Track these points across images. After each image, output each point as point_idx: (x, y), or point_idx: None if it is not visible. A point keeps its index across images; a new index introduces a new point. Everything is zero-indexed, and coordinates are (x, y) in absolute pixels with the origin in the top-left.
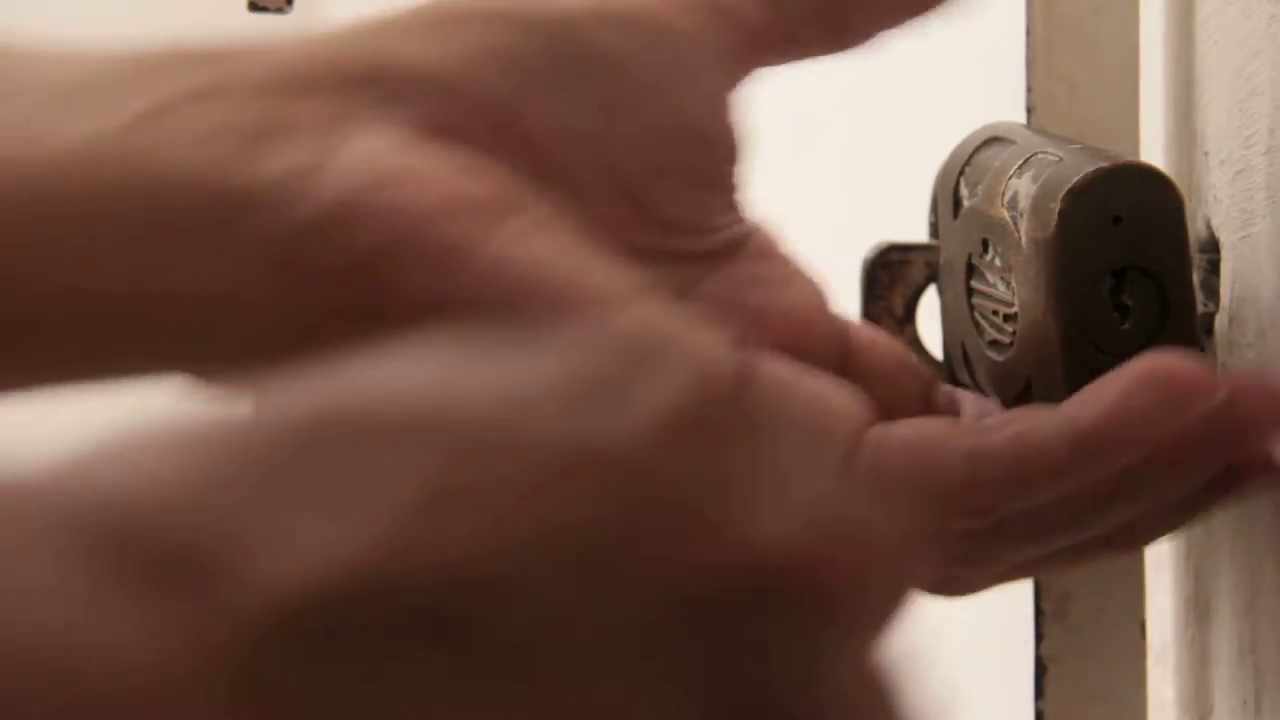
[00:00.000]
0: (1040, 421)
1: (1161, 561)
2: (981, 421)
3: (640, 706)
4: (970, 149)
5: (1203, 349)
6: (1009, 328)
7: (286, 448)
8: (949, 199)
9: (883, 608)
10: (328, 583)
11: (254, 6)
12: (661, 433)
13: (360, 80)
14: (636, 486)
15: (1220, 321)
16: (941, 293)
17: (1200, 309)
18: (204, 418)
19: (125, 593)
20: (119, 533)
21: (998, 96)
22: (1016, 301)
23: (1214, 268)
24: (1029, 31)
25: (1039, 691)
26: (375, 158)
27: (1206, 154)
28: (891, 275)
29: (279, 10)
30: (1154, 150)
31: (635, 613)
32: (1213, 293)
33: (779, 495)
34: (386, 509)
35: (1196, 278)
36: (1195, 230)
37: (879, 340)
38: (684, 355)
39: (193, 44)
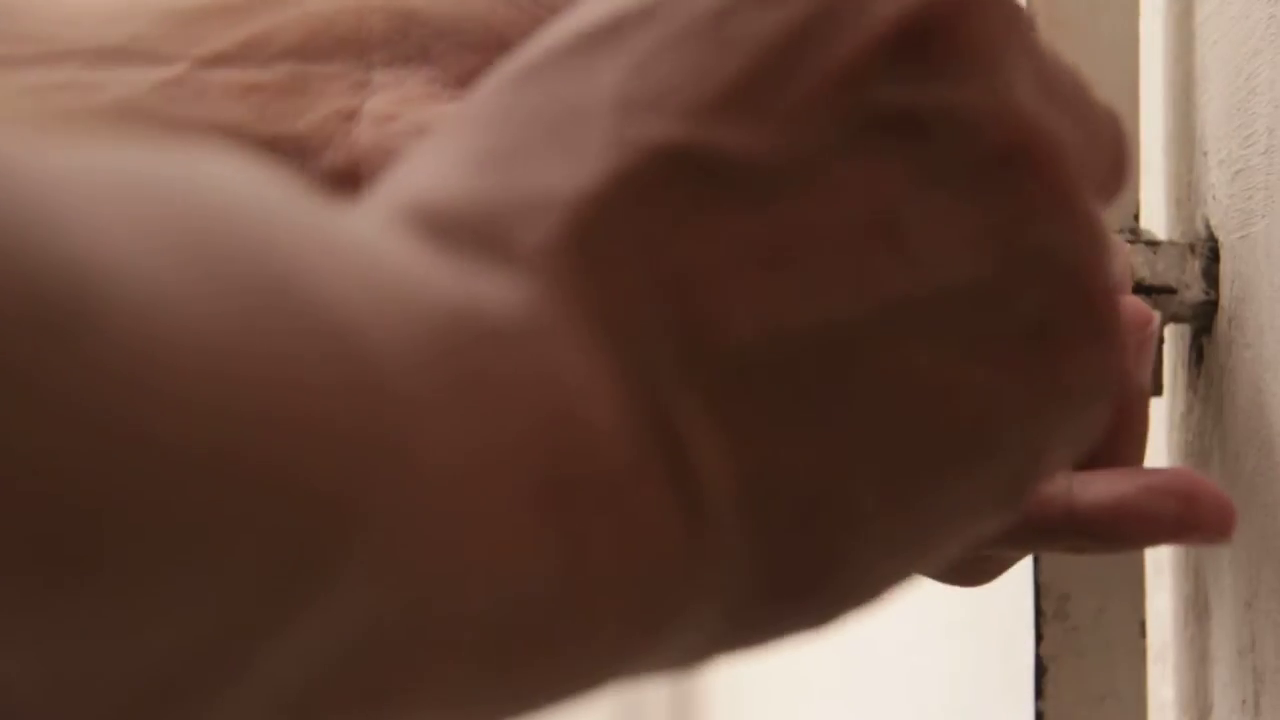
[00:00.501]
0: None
1: (1161, 562)
2: None
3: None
4: None
5: None
6: None
7: (512, 108)
8: None
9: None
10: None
11: None
12: None
13: (385, 37)
14: None
15: (1220, 321)
16: None
17: (1201, 297)
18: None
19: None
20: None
21: None
22: None
23: (1215, 255)
24: None
25: (1039, 691)
26: (405, 105)
27: (1206, 154)
28: None
29: None
30: (1153, 150)
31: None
32: (1213, 281)
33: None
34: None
35: (1197, 266)
36: (1195, 230)
37: None
38: None
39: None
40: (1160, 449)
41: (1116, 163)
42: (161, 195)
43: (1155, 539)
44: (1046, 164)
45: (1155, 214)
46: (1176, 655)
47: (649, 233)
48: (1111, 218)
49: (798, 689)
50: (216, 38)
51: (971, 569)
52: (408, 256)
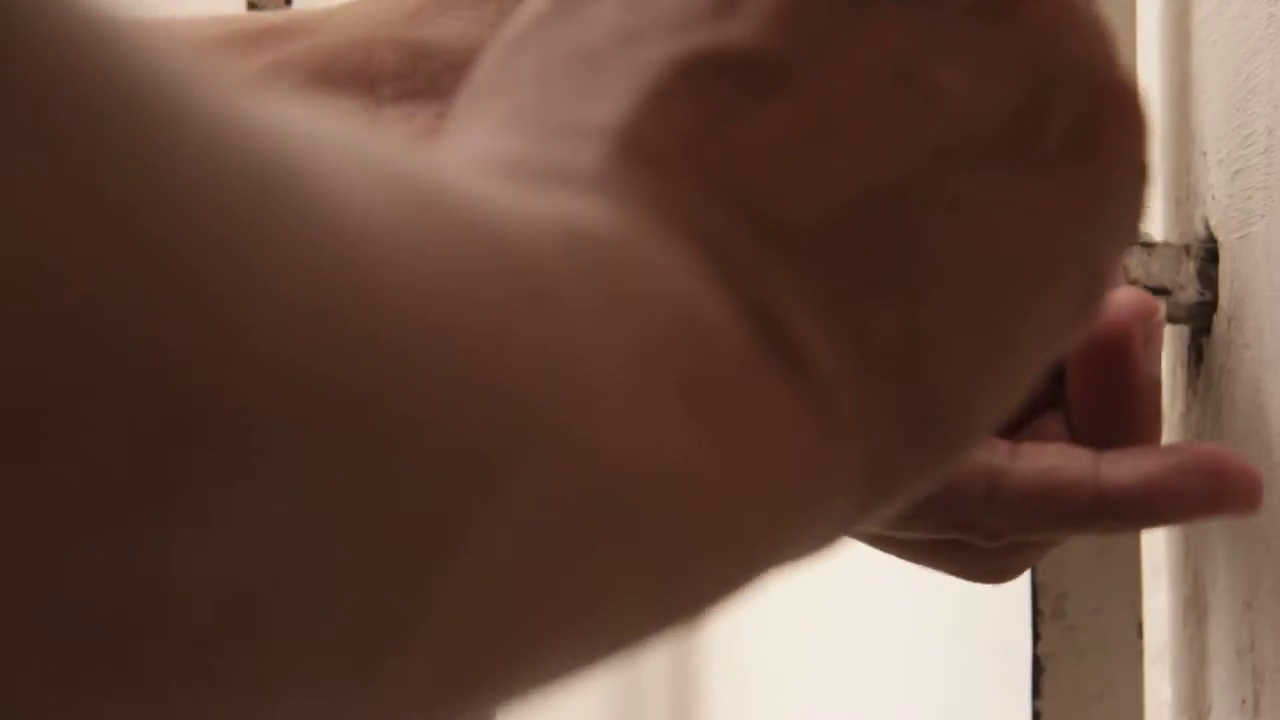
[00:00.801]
0: (1071, 463)
1: (1159, 562)
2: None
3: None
4: None
5: None
6: None
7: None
8: None
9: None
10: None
11: (253, 6)
12: None
13: (394, 70)
14: None
15: (1219, 321)
16: None
17: (1196, 298)
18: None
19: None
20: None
21: None
22: None
23: (1212, 256)
24: None
25: (1036, 691)
26: (415, 139)
27: (1204, 154)
28: None
29: (276, 9)
30: (1152, 150)
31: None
32: (1210, 282)
33: None
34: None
35: (1192, 267)
36: (1194, 230)
37: None
38: None
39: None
40: None
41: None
42: (368, 151)
43: (1187, 516)
44: None
45: (1154, 214)
46: (1175, 655)
47: (690, 136)
48: None
49: (797, 689)
50: (226, 71)
51: (998, 565)
52: (511, 192)
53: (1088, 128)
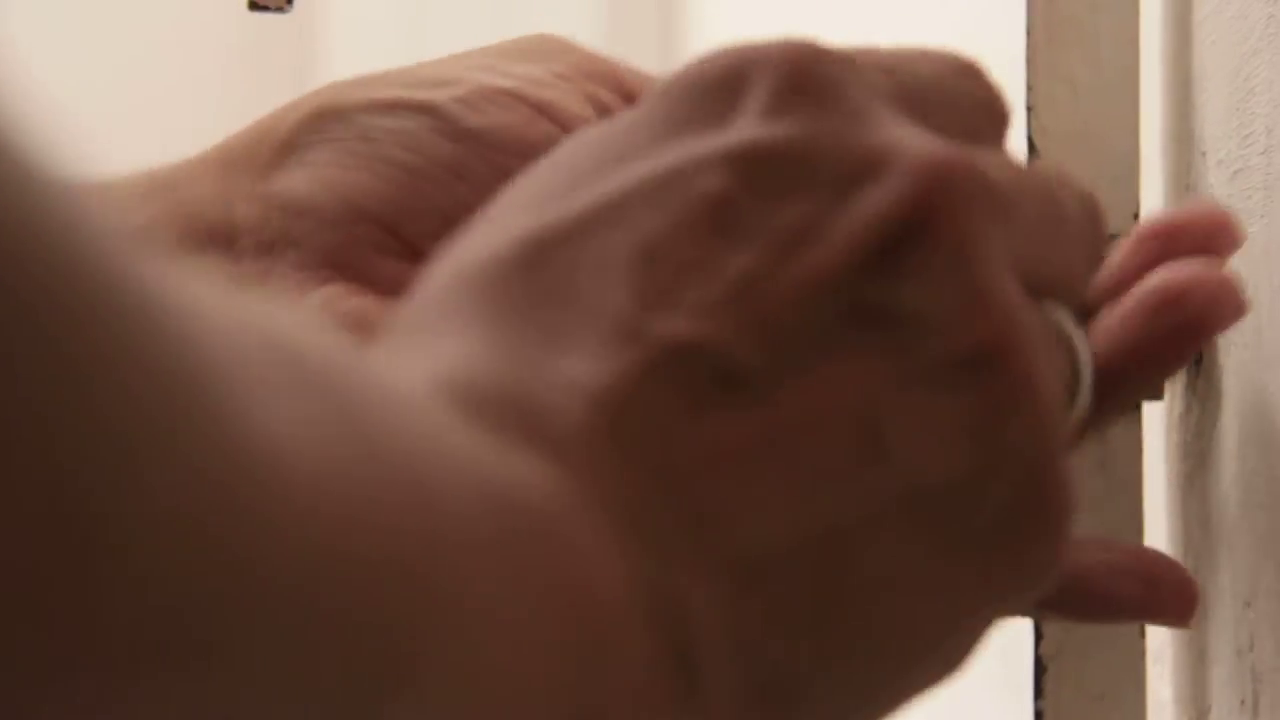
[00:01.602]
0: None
1: None
2: None
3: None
4: None
5: None
6: None
7: (510, 290)
8: None
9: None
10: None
11: (254, 6)
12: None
13: (249, 223)
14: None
15: None
16: None
17: None
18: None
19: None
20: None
21: None
22: None
23: None
24: (1029, 31)
25: (1038, 691)
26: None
27: (1204, 154)
28: None
29: (279, 10)
30: (1151, 150)
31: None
32: None
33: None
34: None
35: None
36: None
37: None
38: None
39: (132, 184)
40: (1159, 449)
41: (1095, 245)
42: (286, 352)
43: (1117, 618)
44: (1016, 364)
45: (1154, 214)
46: (1175, 655)
47: (663, 429)
48: (1110, 218)
49: None
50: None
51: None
52: (460, 429)
53: (1016, 518)
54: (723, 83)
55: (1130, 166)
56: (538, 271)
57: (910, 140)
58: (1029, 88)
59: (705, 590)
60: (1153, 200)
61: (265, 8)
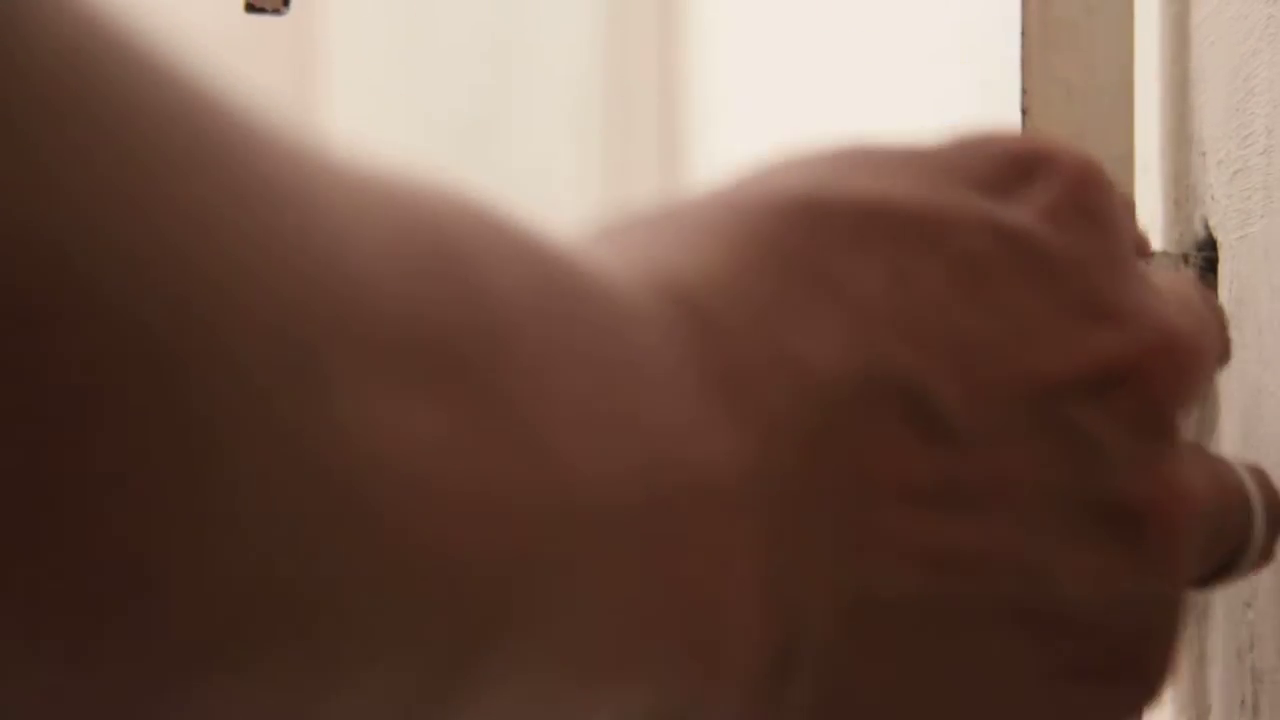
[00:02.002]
0: None
1: None
2: None
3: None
4: None
5: None
6: None
7: (780, 237)
8: None
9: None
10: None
11: (250, 7)
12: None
13: None
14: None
15: None
16: None
17: None
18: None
19: (715, 402)
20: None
21: (993, 98)
22: None
23: (1211, 265)
24: (1024, 33)
25: None
26: None
27: (1204, 154)
28: None
29: (275, 11)
30: (1150, 151)
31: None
32: (1210, 286)
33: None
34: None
35: (1192, 275)
36: (1193, 230)
37: None
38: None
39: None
40: None
41: (1225, 347)
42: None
43: None
44: (1173, 533)
45: (1153, 215)
46: None
47: (863, 437)
48: None
49: None
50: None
51: None
52: (661, 348)
53: (1114, 669)
54: (1017, 162)
55: (1125, 169)
56: (806, 231)
57: (1156, 308)
58: (1024, 91)
59: (827, 607)
60: (1152, 201)
61: (262, 9)
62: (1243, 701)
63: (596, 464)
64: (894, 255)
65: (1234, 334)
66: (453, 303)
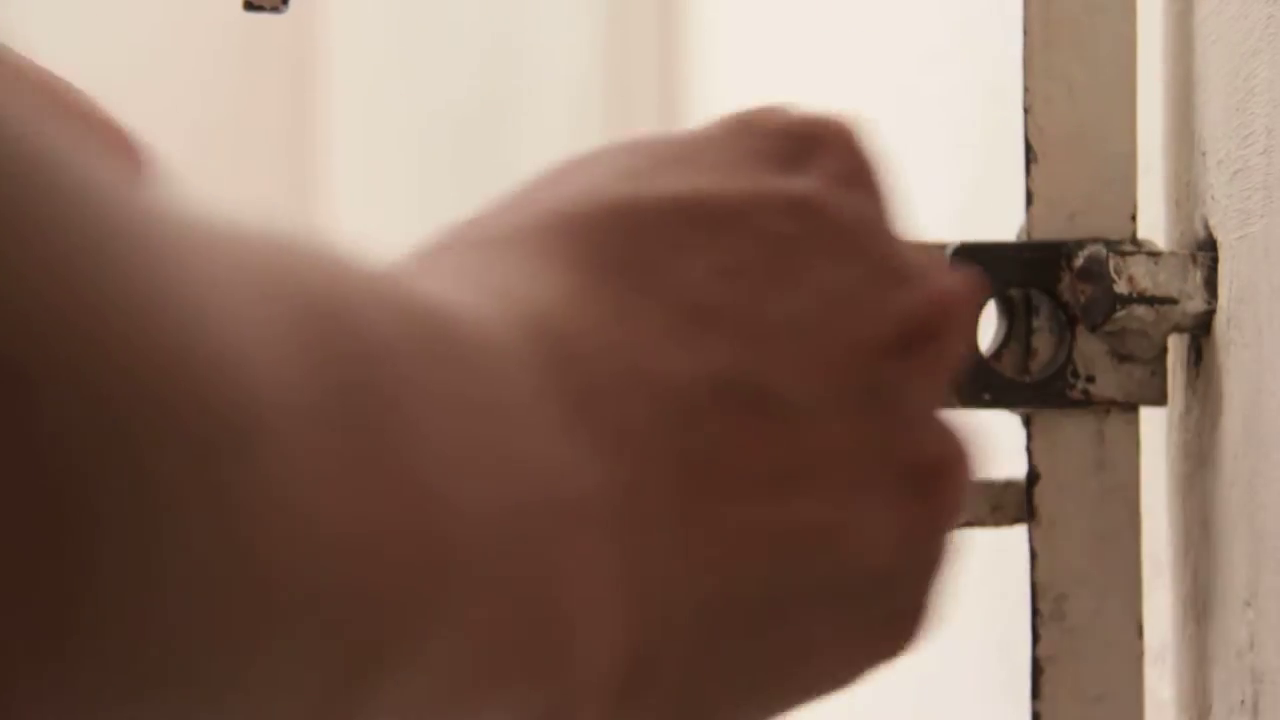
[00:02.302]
0: None
1: (1159, 562)
2: None
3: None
4: None
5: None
6: None
7: (605, 246)
8: None
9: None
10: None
11: (250, 5)
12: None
13: None
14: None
15: (1218, 321)
16: None
17: (1204, 306)
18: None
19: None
20: (566, 365)
21: (995, 97)
22: None
23: (1214, 265)
24: (1026, 32)
25: (1036, 692)
26: None
27: (1204, 154)
28: None
29: (274, 9)
30: (1151, 150)
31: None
32: (1214, 290)
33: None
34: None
35: (1198, 276)
36: (1193, 230)
37: None
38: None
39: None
40: (1160, 449)
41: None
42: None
43: None
44: (961, 486)
45: (1154, 215)
46: (1176, 655)
47: (709, 434)
48: (1108, 220)
49: None
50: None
51: None
52: (526, 380)
53: (903, 620)
54: (797, 135)
55: (1127, 168)
56: (627, 237)
57: (927, 263)
58: (1026, 89)
59: (684, 608)
60: (1152, 201)
61: (261, 7)
62: (1243, 701)
63: (468, 503)
64: (710, 249)
65: (1234, 334)
66: (333, 362)
